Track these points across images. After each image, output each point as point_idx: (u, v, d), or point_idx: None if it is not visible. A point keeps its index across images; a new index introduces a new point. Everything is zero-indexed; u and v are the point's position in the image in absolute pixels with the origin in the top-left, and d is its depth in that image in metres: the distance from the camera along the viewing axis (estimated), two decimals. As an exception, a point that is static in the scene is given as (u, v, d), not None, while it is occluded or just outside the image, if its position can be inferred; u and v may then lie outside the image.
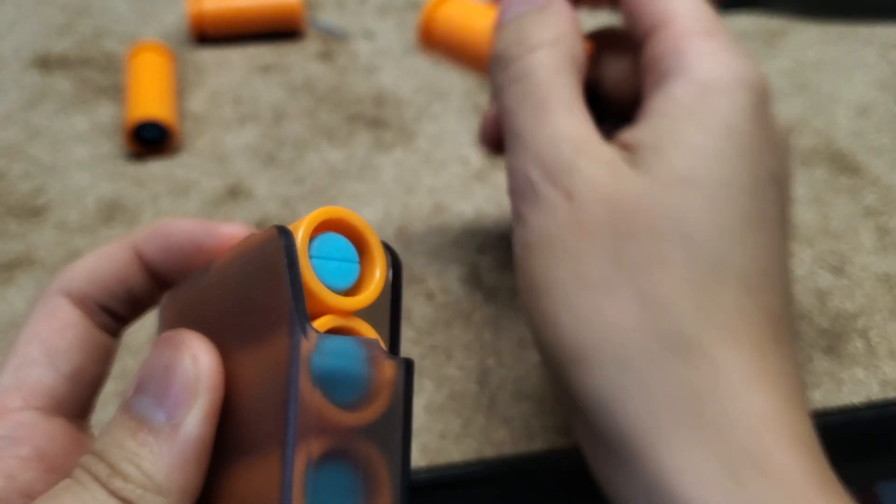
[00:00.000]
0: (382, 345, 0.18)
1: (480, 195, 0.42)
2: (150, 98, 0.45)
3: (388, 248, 0.19)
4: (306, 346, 0.16)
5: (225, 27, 0.52)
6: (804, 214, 0.41)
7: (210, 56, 0.51)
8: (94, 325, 0.24)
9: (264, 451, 0.17)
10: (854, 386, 0.33)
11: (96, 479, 0.18)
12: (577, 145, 0.24)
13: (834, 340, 0.35)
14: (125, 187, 0.43)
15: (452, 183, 0.43)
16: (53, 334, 0.23)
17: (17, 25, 0.54)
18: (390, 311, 0.19)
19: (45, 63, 0.51)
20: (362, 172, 0.44)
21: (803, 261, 0.38)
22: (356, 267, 0.18)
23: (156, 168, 0.44)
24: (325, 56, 0.52)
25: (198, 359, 0.18)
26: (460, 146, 0.45)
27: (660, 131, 0.24)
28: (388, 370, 0.17)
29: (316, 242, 0.18)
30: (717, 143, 0.23)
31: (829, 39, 0.51)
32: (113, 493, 0.17)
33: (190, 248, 0.23)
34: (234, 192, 0.43)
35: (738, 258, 0.22)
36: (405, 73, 0.50)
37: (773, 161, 0.24)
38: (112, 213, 0.41)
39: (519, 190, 0.25)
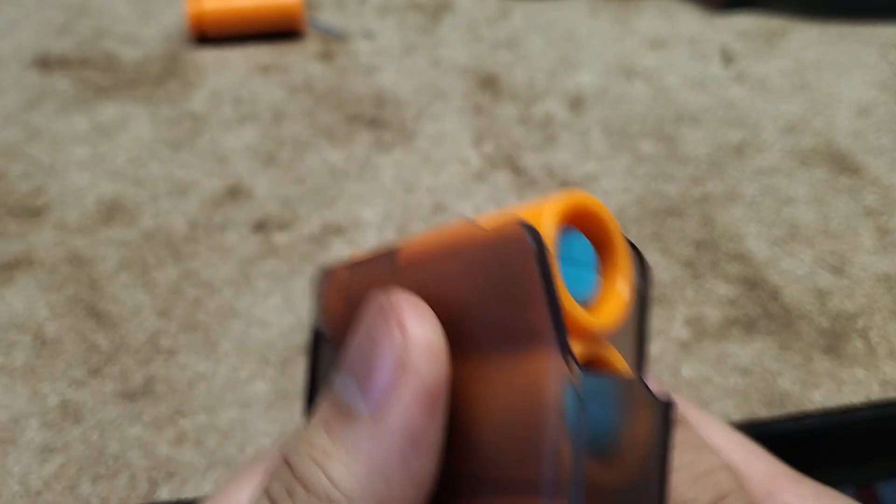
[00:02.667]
0: (642, 384, 0.14)
1: (480, 195, 0.42)
2: None
3: (635, 250, 0.15)
4: (568, 383, 0.12)
5: (225, 27, 0.52)
6: (804, 214, 0.41)
7: (210, 56, 0.51)
8: None
9: (504, 499, 0.13)
10: (854, 386, 0.33)
11: (268, 495, 0.14)
12: None
13: (834, 340, 0.35)
14: (125, 187, 0.43)
15: (452, 183, 0.43)
16: None
17: (17, 25, 0.54)
18: (636, 332, 0.15)
19: (45, 63, 0.51)
20: (362, 172, 0.44)
21: (803, 261, 0.38)
22: (594, 274, 0.14)
23: (156, 168, 0.44)
24: (325, 56, 0.52)
25: (405, 327, 0.14)
26: (460, 146, 0.45)
27: None
28: (644, 416, 0.13)
29: (558, 241, 0.13)
30: None
31: (829, 39, 0.51)
32: None
33: None
34: (234, 192, 0.43)
35: None
36: (405, 73, 0.50)
37: None
38: (112, 213, 0.41)
39: None
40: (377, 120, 0.47)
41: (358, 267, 0.18)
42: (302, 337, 0.35)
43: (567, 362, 0.12)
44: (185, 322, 0.36)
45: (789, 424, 0.32)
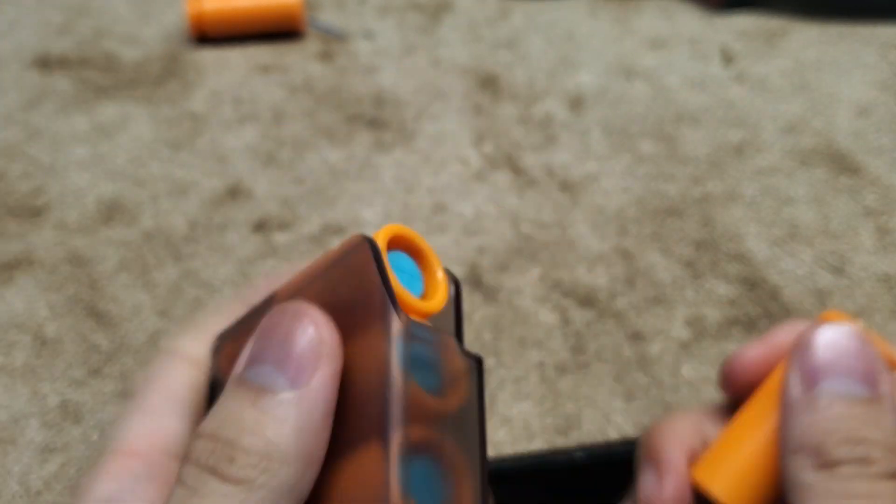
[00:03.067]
0: (456, 341, 0.18)
1: (480, 195, 0.42)
2: None
3: (447, 270, 0.20)
4: (399, 329, 0.17)
5: (225, 27, 0.52)
6: (804, 214, 0.41)
7: (210, 56, 0.51)
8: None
9: (365, 441, 0.16)
10: (854, 386, 0.33)
11: (209, 469, 0.16)
12: None
13: (834, 340, 0.35)
14: (125, 187, 0.43)
15: (452, 183, 0.43)
16: (179, 387, 0.22)
17: (17, 25, 0.54)
18: (454, 325, 0.20)
19: (45, 63, 0.51)
20: (362, 172, 0.44)
21: (803, 261, 0.38)
22: (421, 282, 0.19)
23: (156, 168, 0.44)
24: (325, 56, 0.52)
25: (320, 326, 0.17)
26: (460, 146, 0.45)
27: None
28: (461, 365, 0.18)
29: (388, 257, 0.18)
30: None
31: (829, 39, 0.51)
32: (228, 478, 0.16)
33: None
34: (234, 192, 0.43)
35: None
36: (405, 73, 0.50)
37: None
38: (112, 213, 0.41)
39: None
40: (377, 120, 0.47)
41: (243, 319, 0.22)
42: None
43: (398, 311, 0.17)
44: (186, 322, 0.36)
45: (789, 424, 0.32)
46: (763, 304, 0.36)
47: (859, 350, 0.21)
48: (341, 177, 0.43)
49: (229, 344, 0.22)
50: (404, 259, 0.19)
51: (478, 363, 0.18)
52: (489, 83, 0.50)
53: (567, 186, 0.42)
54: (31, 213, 0.41)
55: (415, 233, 0.19)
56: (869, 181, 0.42)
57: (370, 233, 0.19)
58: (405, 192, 0.42)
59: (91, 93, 0.49)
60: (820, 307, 0.36)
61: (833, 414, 0.20)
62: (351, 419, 0.17)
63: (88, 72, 0.50)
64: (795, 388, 0.21)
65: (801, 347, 0.22)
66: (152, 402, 0.22)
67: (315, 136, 0.46)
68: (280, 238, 0.40)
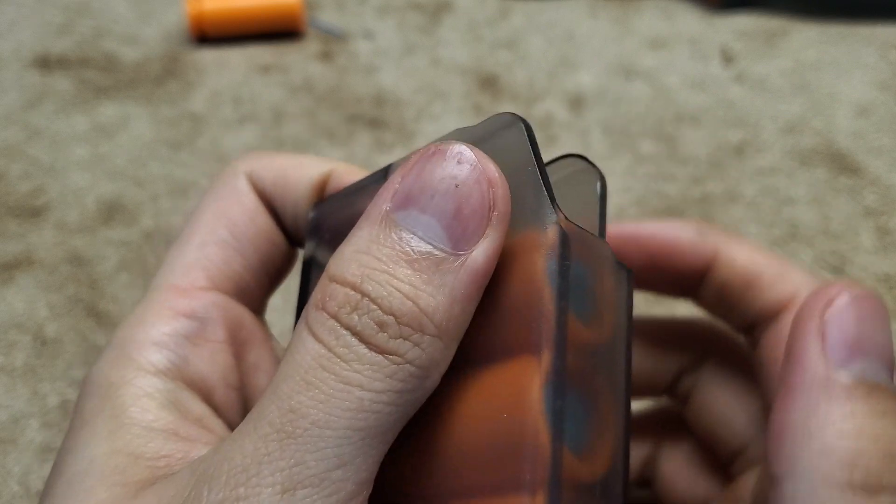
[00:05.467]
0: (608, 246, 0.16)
1: (480, 195, 0.42)
2: None
3: (592, 164, 0.17)
4: (556, 239, 0.14)
5: (225, 27, 0.52)
6: (804, 215, 0.41)
7: (210, 56, 0.51)
8: (277, 226, 0.20)
9: (512, 354, 0.14)
10: (854, 386, 0.33)
11: (354, 331, 0.14)
12: None
13: (834, 340, 0.35)
14: (125, 187, 0.43)
15: (452, 183, 0.43)
16: (243, 217, 0.20)
17: (17, 25, 0.54)
18: (599, 225, 0.17)
19: (45, 63, 0.51)
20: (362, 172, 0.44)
21: (803, 261, 0.38)
22: None
23: (156, 168, 0.44)
24: (325, 56, 0.52)
25: (496, 184, 0.15)
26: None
27: None
28: (612, 278, 0.15)
29: None
30: None
31: (829, 39, 0.51)
32: (377, 347, 0.14)
33: None
34: (234, 192, 0.43)
35: None
36: (405, 73, 0.50)
37: None
38: (112, 213, 0.41)
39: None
40: (377, 120, 0.47)
41: (351, 189, 0.19)
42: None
43: (558, 218, 0.14)
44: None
45: (789, 424, 0.32)
46: (763, 304, 0.37)
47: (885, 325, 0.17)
48: (341, 177, 0.43)
49: (334, 217, 0.19)
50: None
51: (629, 274, 0.16)
52: (489, 83, 0.50)
53: (567, 186, 0.42)
54: (31, 213, 0.41)
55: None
56: (869, 181, 0.42)
57: None
58: (405, 192, 0.42)
59: (91, 93, 0.49)
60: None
61: (875, 412, 0.15)
62: (495, 320, 0.15)
63: (88, 72, 0.50)
64: (818, 365, 0.16)
65: (822, 305, 0.17)
66: (213, 233, 0.19)
67: (315, 136, 0.46)
68: (280, 238, 0.40)
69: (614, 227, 0.22)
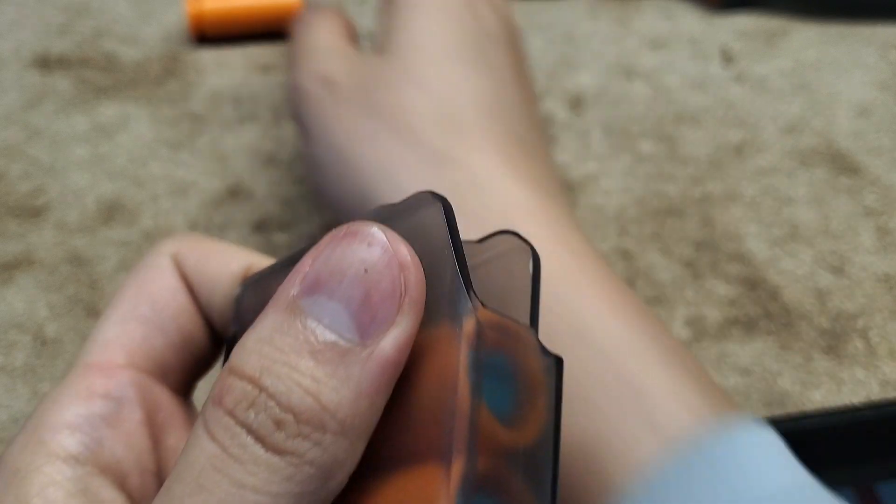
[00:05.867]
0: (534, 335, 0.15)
1: (480, 195, 0.42)
2: None
3: (523, 239, 0.16)
4: (471, 328, 0.13)
5: (225, 27, 0.52)
6: (804, 214, 0.41)
7: (210, 56, 0.51)
8: (197, 309, 0.20)
9: (420, 459, 0.14)
10: (854, 386, 0.33)
11: (251, 430, 0.13)
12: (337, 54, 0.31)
13: (834, 340, 0.35)
14: (125, 187, 0.43)
15: (452, 183, 0.43)
16: (164, 293, 0.19)
17: (17, 25, 0.54)
18: (530, 308, 0.16)
19: (45, 63, 0.51)
20: (362, 172, 0.44)
21: (803, 261, 0.38)
22: None
23: (156, 168, 0.44)
24: (325, 56, 0.52)
25: (409, 266, 0.14)
26: (460, 146, 0.45)
27: (392, 23, 0.31)
28: (539, 367, 0.14)
29: None
30: (432, 19, 0.30)
31: (829, 39, 0.51)
32: (275, 448, 0.13)
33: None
34: (234, 193, 0.43)
35: (468, 93, 0.28)
36: (405, 73, 0.50)
37: (489, 23, 0.31)
38: (112, 213, 0.41)
39: (298, 99, 0.32)
40: (377, 120, 0.47)
41: (276, 265, 0.19)
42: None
43: (473, 306, 0.14)
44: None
45: (789, 425, 0.32)
46: (763, 305, 0.36)
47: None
48: (341, 177, 0.43)
49: (259, 293, 0.18)
50: None
51: (557, 365, 0.15)
52: (489, 83, 0.50)
53: (567, 186, 0.42)
54: (31, 213, 0.41)
55: None
56: (869, 181, 0.42)
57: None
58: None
59: (91, 93, 0.49)
60: (820, 307, 0.36)
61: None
62: (404, 419, 0.14)
63: (88, 72, 0.50)
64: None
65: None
66: (134, 309, 0.19)
67: (315, 136, 0.46)
68: (280, 238, 0.40)
69: None
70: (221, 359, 0.21)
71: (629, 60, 0.51)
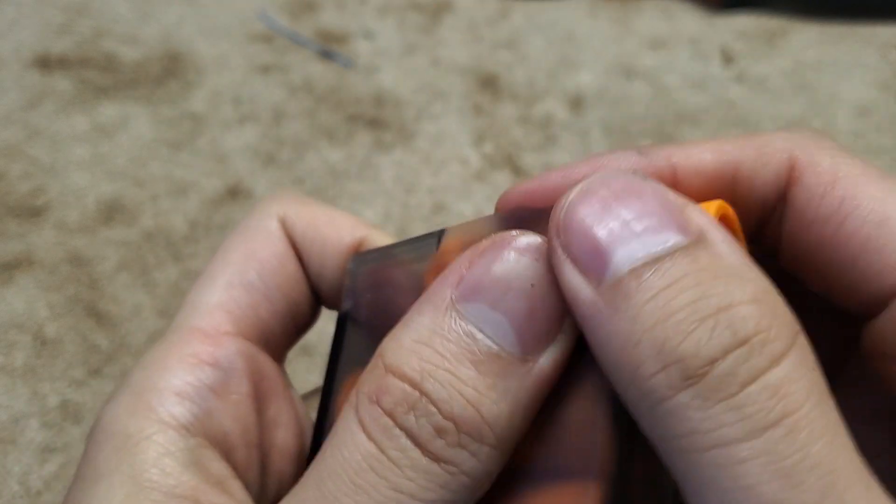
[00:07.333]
0: None
1: (480, 195, 0.42)
2: None
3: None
4: None
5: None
6: (804, 214, 0.41)
7: (210, 56, 0.51)
8: (305, 274, 0.19)
9: (568, 478, 0.13)
10: (854, 386, 0.33)
11: (409, 433, 0.13)
12: None
13: (834, 340, 0.35)
14: (125, 187, 0.43)
15: (452, 183, 0.43)
16: (274, 261, 0.18)
17: (17, 25, 0.54)
18: None
19: (45, 63, 0.51)
20: (362, 172, 0.44)
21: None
22: None
23: (156, 168, 0.44)
24: (325, 56, 0.52)
25: (574, 286, 0.13)
26: (460, 146, 0.45)
27: None
28: None
29: None
30: None
31: (829, 39, 0.51)
32: (433, 455, 0.13)
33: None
34: (234, 192, 0.43)
35: None
36: (405, 73, 0.50)
37: None
38: (112, 213, 0.41)
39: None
40: (377, 120, 0.47)
41: (397, 249, 0.18)
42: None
43: None
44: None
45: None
46: (763, 304, 0.36)
47: (636, 188, 0.13)
48: (341, 177, 0.43)
49: (375, 276, 0.18)
50: None
51: None
52: (489, 83, 0.50)
53: (567, 186, 0.42)
54: (31, 213, 0.41)
55: (733, 214, 0.15)
56: (869, 181, 0.42)
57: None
58: (405, 192, 0.42)
59: (91, 93, 0.49)
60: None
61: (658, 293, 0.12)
62: (549, 432, 0.14)
63: (88, 72, 0.50)
64: (581, 288, 0.13)
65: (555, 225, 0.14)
66: (242, 275, 0.18)
67: (315, 136, 0.46)
68: (280, 238, 0.40)
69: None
70: (332, 334, 0.20)
71: (629, 60, 0.51)
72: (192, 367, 0.17)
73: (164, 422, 0.16)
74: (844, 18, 0.52)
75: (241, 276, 0.18)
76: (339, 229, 0.19)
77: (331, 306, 0.20)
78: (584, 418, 0.14)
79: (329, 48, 0.52)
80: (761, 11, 0.53)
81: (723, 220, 0.15)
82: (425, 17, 0.55)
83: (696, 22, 0.54)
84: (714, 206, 0.15)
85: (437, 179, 0.43)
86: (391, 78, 0.50)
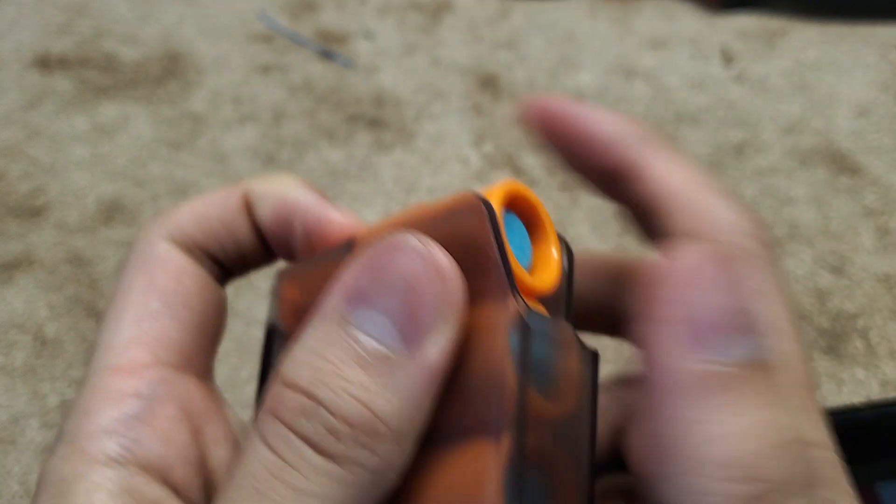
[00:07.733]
0: (573, 330, 0.15)
1: (480, 195, 0.42)
2: None
3: (561, 239, 0.17)
4: (516, 321, 0.14)
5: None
6: (804, 214, 0.41)
7: (210, 56, 0.51)
8: (207, 274, 0.20)
9: (469, 437, 0.14)
10: (854, 386, 0.33)
11: (305, 438, 0.14)
12: None
13: (834, 340, 0.35)
14: (125, 187, 0.43)
15: (452, 183, 0.43)
16: (170, 281, 0.19)
17: (17, 25, 0.54)
18: (565, 304, 0.17)
19: (45, 63, 0.51)
20: (362, 172, 0.44)
21: (803, 261, 0.38)
22: (529, 253, 0.16)
23: (156, 168, 0.44)
24: (325, 56, 0.52)
25: (448, 275, 0.14)
26: (460, 146, 0.45)
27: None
28: (576, 358, 0.15)
29: (502, 217, 0.15)
30: None
31: (829, 39, 0.51)
32: (329, 454, 0.14)
33: (301, 225, 0.20)
34: (234, 192, 0.43)
35: None
36: (405, 73, 0.50)
37: None
38: (112, 213, 0.41)
39: None
40: (377, 120, 0.47)
41: (315, 260, 0.19)
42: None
43: (515, 300, 0.14)
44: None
45: (789, 424, 0.32)
46: (763, 304, 0.37)
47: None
48: (341, 177, 0.43)
49: (294, 285, 0.19)
50: (515, 222, 0.16)
51: (593, 358, 0.16)
52: (489, 83, 0.50)
53: (567, 186, 0.42)
54: (31, 213, 0.41)
55: (531, 192, 0.16)
56: (869, 181, 0.42)
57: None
58: (405, 192, 0.42)
59: (91, 93, 0.49)
60: (820, 307, 0.36)
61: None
62: (454, 401, 0.15)
63: (88, 72, 0.50)
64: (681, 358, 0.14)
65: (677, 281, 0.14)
66: (146, 306, 0.19)
67: (315, 136, 0.46)
68: (280, 238, 0.40)
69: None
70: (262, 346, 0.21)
71: (629, 60, 0.51)
72: (114, 402, 0.17)
73: (95, 460, 0.17)
74: (844, 18, 0.52)
75: (144, 306, 0.19)
76: (221, 205, 0.20)
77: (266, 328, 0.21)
78: (480, 382, 0.14)
79: (329, 48, 0.52)
80: (761, 11, 0.53)
81: (515, 201, 0.16)
82: (425, 17, 0.55)
83: (696, 22, 0.54)
84: (500, 190, 0.16)
85: (437, 179, 0.43)
86: (391, 78, 0.50)
